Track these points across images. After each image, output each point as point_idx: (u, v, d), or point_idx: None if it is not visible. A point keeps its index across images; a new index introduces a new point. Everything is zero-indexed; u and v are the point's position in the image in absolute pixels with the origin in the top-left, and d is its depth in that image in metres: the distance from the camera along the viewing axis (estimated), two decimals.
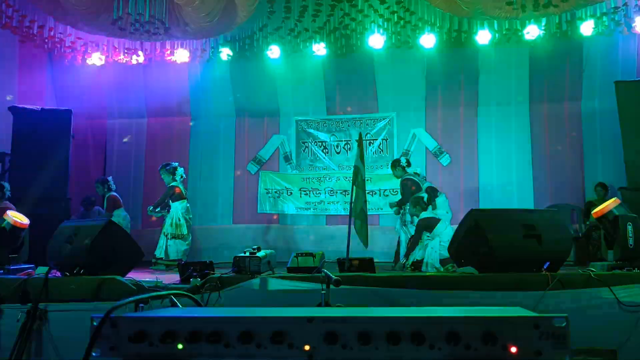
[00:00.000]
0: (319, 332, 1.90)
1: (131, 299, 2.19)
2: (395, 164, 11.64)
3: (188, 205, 12.21)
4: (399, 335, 1.86)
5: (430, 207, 10.62)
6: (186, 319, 2.01)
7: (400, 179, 11.48)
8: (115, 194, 12.45)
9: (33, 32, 11.72)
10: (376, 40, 12.69)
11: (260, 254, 7.95)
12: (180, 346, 1.95)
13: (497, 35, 12.30)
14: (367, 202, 11.17)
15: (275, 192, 14.32)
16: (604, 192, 11.67)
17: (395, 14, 11.58)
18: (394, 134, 14.12)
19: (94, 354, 1.98)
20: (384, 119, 14.16)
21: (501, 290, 6.45)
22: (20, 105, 12.06)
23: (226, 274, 7.39)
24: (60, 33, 12.10)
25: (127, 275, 7.54)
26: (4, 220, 8.39)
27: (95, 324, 1.99)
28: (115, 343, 2.00)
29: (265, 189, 14.39)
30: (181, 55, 13.39)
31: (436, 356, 1.84)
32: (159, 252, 11.73)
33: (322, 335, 1.89)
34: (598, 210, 8.05)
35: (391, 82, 13.88)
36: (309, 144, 14.48)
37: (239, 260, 7.76)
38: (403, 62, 13.53)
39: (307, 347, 1.89)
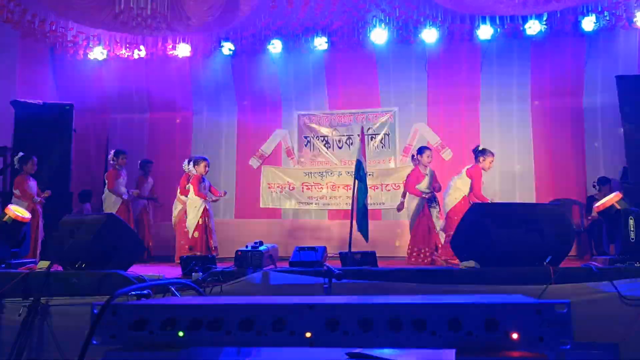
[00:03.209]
0: (320, 319, 1.89)
1: (133, 286, 2.18)
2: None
3: None
4: (401, 322, 1.85)
5: None
6: (187, 306, 1.99)
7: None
8: None
9: (34, 26, 11.70)
10: (378, 35, 12.69)
11: (262, 248, 7.94)
12: (180, 334, 1.94)
13: (498, 30, 12.30)
14: (369, 197, 11.19)
15: (278, 186, 14.32)
16: (604, 186, 11.65)
17: (397, 9, 11.57)
18: (396, 129, 14.11)
19: (94, 341, 1.98)
20: (386, 114, 14.15)
21: (503, 284, 6.44)
22: (22, 100, 12.06)
23: (228, 268, 7.39)
24: (61, 27, 12.08)
25: (129, 270, 7.53)
26: (6, 214, 8.40)
27: (95, 311, 1.99)
28: (115, 331, 1.99)
29: (268, 184, 14.39)
30: (183, 49, 13.39)
31: (438, 343, 1.83)
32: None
33: (324, 322, 1.88)
34: (600, 204, 8.05)
35: (393, 76, 13.87)
36: (311, 138, 14.47)
37: (241, 254, 7.76)
38: (405, 57, 13.53)
39: (308, 334, 1.88)
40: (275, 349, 2.05)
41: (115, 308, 2.03)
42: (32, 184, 10.74)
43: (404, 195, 11.62)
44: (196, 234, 11.30)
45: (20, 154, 10.69)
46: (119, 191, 11.99)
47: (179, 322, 2.00)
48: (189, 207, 11.51)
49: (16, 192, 10.57)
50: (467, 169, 10.59)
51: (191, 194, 11.48)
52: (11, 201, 10.43)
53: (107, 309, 2.00)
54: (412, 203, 11.08)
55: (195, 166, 11.57)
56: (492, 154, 10.56)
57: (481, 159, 10.47)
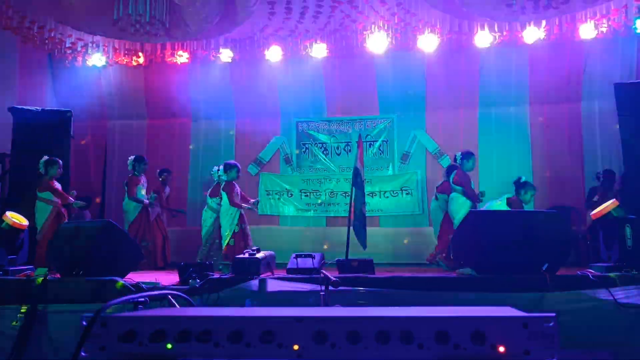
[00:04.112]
0: (308, 331, 1.90)
1: (122, 298, 2.19)
2: None
3: None
4: (388, 335, 1.86)
5: None
6: (176, 318, 2.00)
7: None
8: None
9: (33, 32, 11.71)
10: (377, 42, 12.68)
11: (260, 255, 7.96)
12: (169, 346, 1.95)
13: (497, 37, 12.30)
14: (367, 204, 11.17)
15: (276, 193, 14.30)
16: (609, 180, 11.54)
17: (396, 16, 11.57)
18: (395, 136, 14.12)
19: (83, 353, 1.98)
20: (384, 121, 14.16)
21: (500, 292, 6.45)
22: (20, 106, 12.07)
23: (225, 275, 7.40)
24: (60, 34, 12.08)
25: (126, 277, 7.54)
26: (3, 221, 8.42)
27: (85, 323, 1.99)
28: (105, 343, 1.99)
29: (266, 191, 14.37)
30: (182, 56, 13.38)
31: (425, 356, 1.84)
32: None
33: (311, 335, 1.89)
34: (597, 212, 8.09)
35: (391, 83, 13.85)
36: (310, 145, 14.47)
37: (238, 261, 7.77)
38: (403, 64, 13.50)
39: (296, 347, 1.89)
40: None
41: (104, 320, 2.04)
42: (58, 188, 10.78)
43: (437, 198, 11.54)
44: (232, 242, 11.16)
45: (45, 157, 10.73)
46: (140, 198, 11.98)
47: (168, 333, 2.00)
48: (223, 216, 11.38)
49: (43, 195, 10.56)
50: (508, 198, 10.54)
51: (225, 202, 11.39)
52: (35, 205, 10.51)
53: (97, 320, 2.01)
54: (462, 207, 10.84)
55: (227, 172, 11.47)
56: (534, 189, 10.47)
57: (522, 192, 10.43)
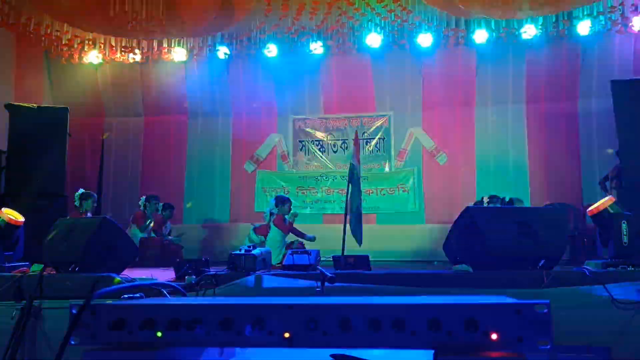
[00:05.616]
0: (299, 318, 1.88)
1: (111, 287, 2.17)
2: None
3: None
4: (380, 322, 1.84)
5: None
6: (166, 306, 1.98)
7: None
8: None
9: (29, 29, 11.69)
10: (373, 39, 12.68)
11: (256, 251, 7.93)
12: (159, 334, 1.93)
13: (494, 34, 12.29)
14: (364, 201, 11.14)
15: (272, 190, 14.27)
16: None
17: (393, 13, 11.55)
18: (391, 133, 14.11)
19: (72, 342, 1.96)
20: (381, 118, 14.16)
21: (496, 288, 6.43)
22: (17, 103, 12.02)
23: (221, 271, 7.37)
24: (57, 31, 12.06)
25: (122, 273, 7.51)
26: None
27: (74, 311, 1.97)
28: (94, 331, 1.97)
29: (262, 188, 14.36)
30: (178, 53, 13.37)
31: (417, 343, 1.82)
32: None
33: (303, 322, 1.87)
34: (593, 208, 8.06)
35: (388, 81, 13.89)
36: (306, 142, 14.47)
37: (234, 257, 7.74)
38: (400, 61, 13.51)
39: (287, 334, 1.87)
40: (260, 350, 2.04)
41: (94, 308, 2.02)
42: None
43: None
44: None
45: (81, 190, 10.85)
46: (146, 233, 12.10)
47: (157, 322, 1.99)
48: (269, 246, 10.84)
49: None
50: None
51: (273, 235, 10.90)
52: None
53: (86, 309, 1.99)
54: None
55: (279, 206, 10.94)
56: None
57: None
